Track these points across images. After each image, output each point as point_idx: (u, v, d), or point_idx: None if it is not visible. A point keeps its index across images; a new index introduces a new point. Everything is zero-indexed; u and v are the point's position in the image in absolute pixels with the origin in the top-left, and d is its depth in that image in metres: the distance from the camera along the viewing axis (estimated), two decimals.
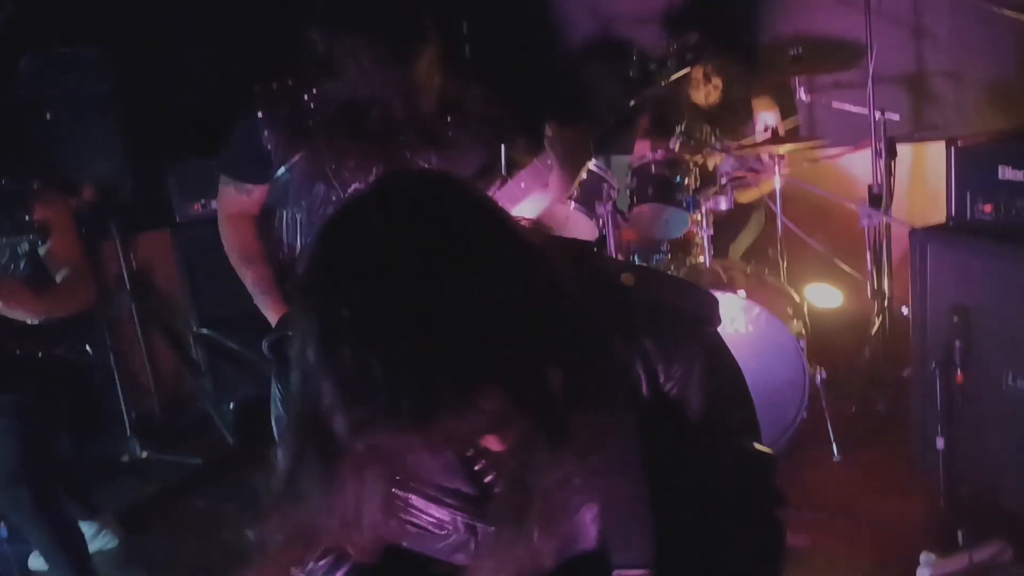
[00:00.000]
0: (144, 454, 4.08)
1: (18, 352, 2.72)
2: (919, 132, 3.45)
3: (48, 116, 3.87)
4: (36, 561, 3.29)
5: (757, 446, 1.14)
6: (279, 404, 1.16)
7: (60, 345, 2.80)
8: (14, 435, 2.65)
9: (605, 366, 1.00)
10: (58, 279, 2.67)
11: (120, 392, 4.11)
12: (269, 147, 2.17)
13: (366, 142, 2.11)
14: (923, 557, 2.62)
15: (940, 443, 2.80)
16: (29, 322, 2.57)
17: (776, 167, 3.40)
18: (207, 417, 4.20)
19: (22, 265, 2.57)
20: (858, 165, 3.72)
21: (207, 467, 3.90)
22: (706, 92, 3.87)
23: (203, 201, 4.11)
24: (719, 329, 1.15)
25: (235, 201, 2.30)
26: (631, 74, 2.39)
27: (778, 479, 1.17)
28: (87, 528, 3.35)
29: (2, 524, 3.51)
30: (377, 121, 2.10)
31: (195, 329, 4.20)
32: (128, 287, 4.12)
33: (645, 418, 1.02)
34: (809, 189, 3.41)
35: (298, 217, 2.21)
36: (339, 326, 0.80)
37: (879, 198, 3.20)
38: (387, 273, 0.80)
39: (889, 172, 3.30)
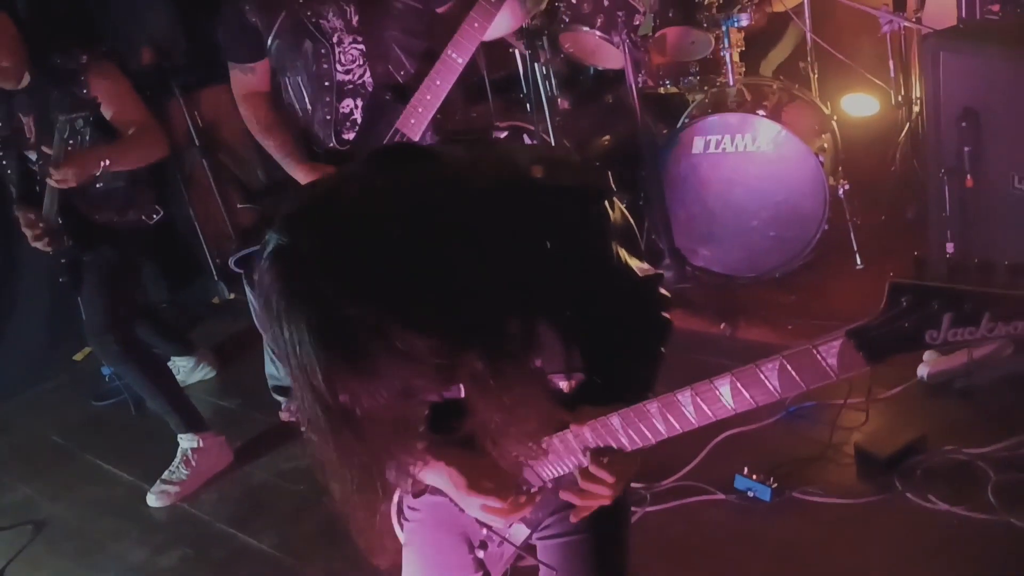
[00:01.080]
0: (231, 295, 4.54)
1: (96, 218, 3.09)
2: None
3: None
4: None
5: (642, 269, 1.40)
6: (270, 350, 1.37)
7: (131, 209, 3.14)
8: (100, 292, 3.07)
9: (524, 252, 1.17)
10: None
11: (203, 241, 4.52)
12: (254, 21, 2.34)
13: None
14: (925, 355, 2.76)
15: (950, 248, 2.87)
16: (98, 172, 2.86)
17: None
18: None
19: (88, 137, 2.86)
20: None
21: None
22: None
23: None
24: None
25: (243, 82, 2.51)
26: None
27: (662, 289, 1.46)
28: (186, 363, 3.85)
29: None
30: None
31: (262, 178, 4.51)
32: (196, 142, 4.43)
33: (559, 270, 1.23)
34: None
35: (299, 79, 2.41)
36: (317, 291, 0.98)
37: (904, 1, 3.11)
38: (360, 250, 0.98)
39: None
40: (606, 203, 1.32)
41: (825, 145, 3.33)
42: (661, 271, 1.50)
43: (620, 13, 3.26)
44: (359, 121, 2.43)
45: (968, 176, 2.75)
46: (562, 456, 1.33)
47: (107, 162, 2.86)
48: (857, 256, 3.34)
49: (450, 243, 1.02)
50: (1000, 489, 2.28)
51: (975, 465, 2.39)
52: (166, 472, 3.15)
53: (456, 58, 2.28)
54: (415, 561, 1.55)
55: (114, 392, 3.92)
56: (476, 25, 2.24)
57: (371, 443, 1.09)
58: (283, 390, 1.43)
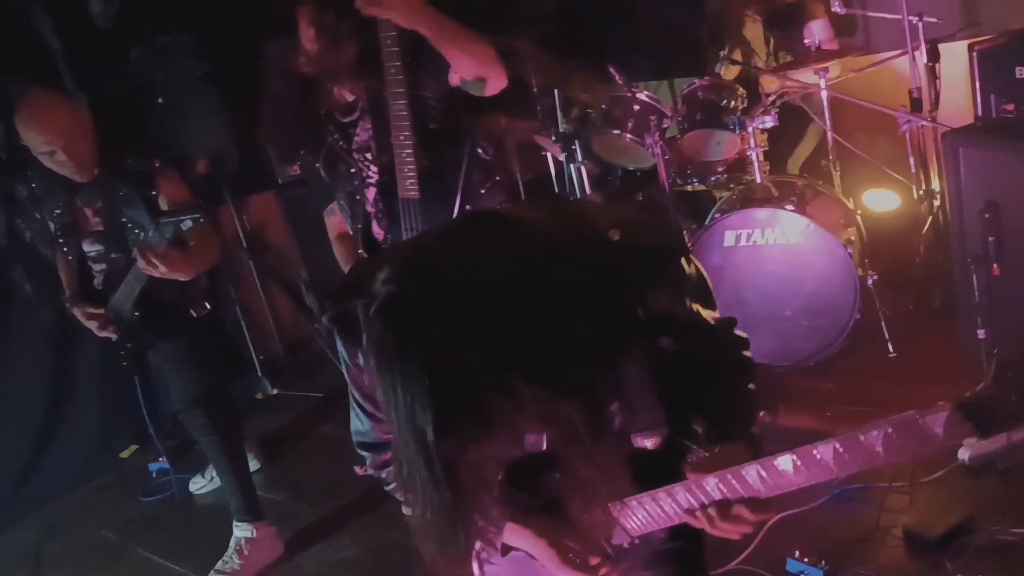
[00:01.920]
0: (274, 391, 4.66)
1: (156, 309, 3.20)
2: (965, 30, 3.49)
3: (160, 100, 4.37)
4: (195, 484, 3.90)
5: (714, 318, 1.47)
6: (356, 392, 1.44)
7: (185, 302, 3.27)
8: (187, 369, 3.21)
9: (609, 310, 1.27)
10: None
11: (248, 338, 4.67)
12: (318, 167, 2.57)
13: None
14: (965, 439, 2.83)
15: (981, 333, 2.98)
16: (181, 278, 2.97)
17: (822, 79, 3.51)
18: (324, 356, 4.71)
19: (151, 233, 2.96)
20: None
21: (329, 400, 4.42)
22: None
23: (299, 163, 4.54)
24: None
25: (329, 224, 2.75)
26: None
27: (748, 353, 1.50)
28: None
29: (163, 458, 4.16)
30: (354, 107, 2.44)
31: (304, 278, 4.69)
32: (244, 245, 4.63)
33: (643, 329, 1.33)
34: (849, 100, 3.52)
35: (340, 202, 2.58)
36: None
37: (919, 102, 3.30)
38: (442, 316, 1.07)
39: (933, 75, 3.37)
40: (682, 260, 1.39)
41: (852, 237, 3.47)
42: (733, 316, 1.53)
43: (652, 117, 3.48)
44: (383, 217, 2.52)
45: (995, 264, 2.89)
46: (657, 512, 1.39)
47: (183, 279, 2.97)
48: (889, 344, 3.44)
49: (543, 295, 1.11)
50: None
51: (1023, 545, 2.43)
52: (219, 563, 3.21)
53: (399, 107, 2.33)
54: None
55: (161, 488, 4.01)
56: (393, 71, 2.29)
57: (464, 499, 1.14)
58: (369, 446, 1.50)
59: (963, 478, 2.75)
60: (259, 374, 4.66)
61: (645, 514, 1.42)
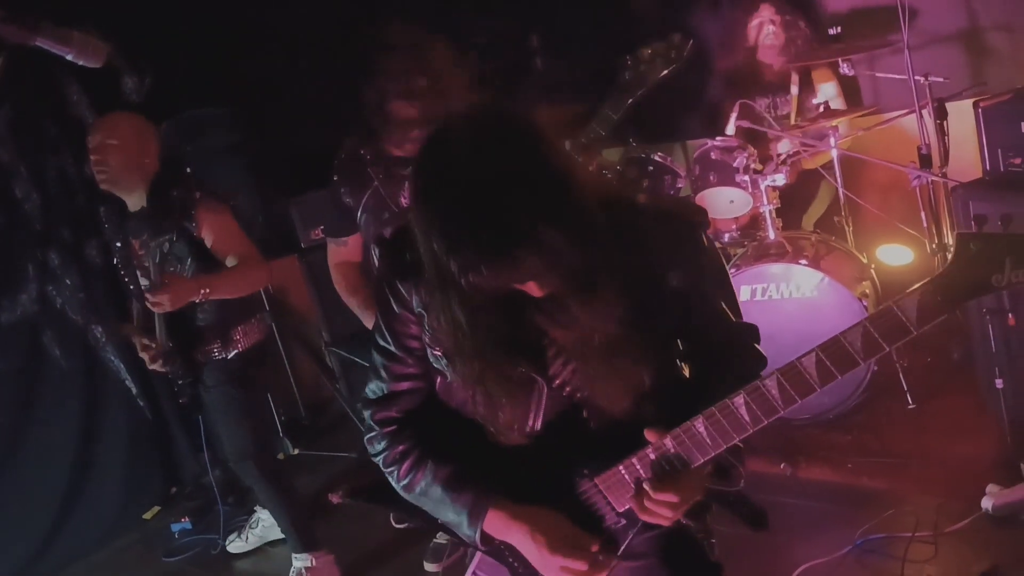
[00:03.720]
0: (295, 451, 4.69)
1: (193, 351, 3.19)
2: (971, 89, 3.58)
3: (188, 170, 4.51)
4: (233, 545, 3.91)
5: (735, 317, 1.52)
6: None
7: (224, 345, 3.22)
8: (239, 421, 3.25)
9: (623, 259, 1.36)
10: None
11: (270, 399, 4.72)
12: (348, 201, 2.70)
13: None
14: (988, 488, 2.83)
15: (999, 383, 2.99)
16: (199, 299, 2.94)
17: (832, 139, 3.61)
18: (345, 417, 4.75)
19: (188, 267, 3.03)
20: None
21: (352, 459, 4.44)
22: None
23: (322, 227, 4.66)
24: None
25: (338, 253, 2.91)
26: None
27: (758, 342, 1.54)
28: (261, 513, 3.95)
29: (185, 519, 4.18)
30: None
31: (326, 341, 4.76)
32: (267, 307, 4.70)
33: (656, 301, 1.40)
34: (859, 157, 3.60)
35: (375, 247, 2.71)
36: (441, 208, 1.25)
37: (928, 158, 3.38)
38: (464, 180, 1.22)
39: (942, 131, 3.45)
40: (702, 235, 1.46)
41: (867, 291, 3.52)
42: (755, 324, 1.55)
43: (667, 177, 3.57)
44: None
45: (1010, 315, 2.92)
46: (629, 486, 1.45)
47: (207, 290, 2.94)
48: (908, 396, 3.45)
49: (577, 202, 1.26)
50: None
51: None
52: None
53: None
54: None
55: (183, 549, 4.03)
56: None
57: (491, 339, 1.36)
58: (377, 401, 1.58)
59: (987, 528, 2.74)
60: (280, 433, 4.69)
61: (621, 485, 1.46)
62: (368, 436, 1.61)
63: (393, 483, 1.58)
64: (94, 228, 4.47)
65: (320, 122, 4.24)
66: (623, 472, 1.45)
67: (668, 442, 1.40)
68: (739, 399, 1.34)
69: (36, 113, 4.33)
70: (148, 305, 2.95)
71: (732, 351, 1.49)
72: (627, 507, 1.47)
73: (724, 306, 1.49)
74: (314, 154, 3.51)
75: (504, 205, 1.21)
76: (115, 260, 3.37)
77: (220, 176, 4.44)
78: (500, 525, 1.49)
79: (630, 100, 2.74)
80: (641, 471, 1.43)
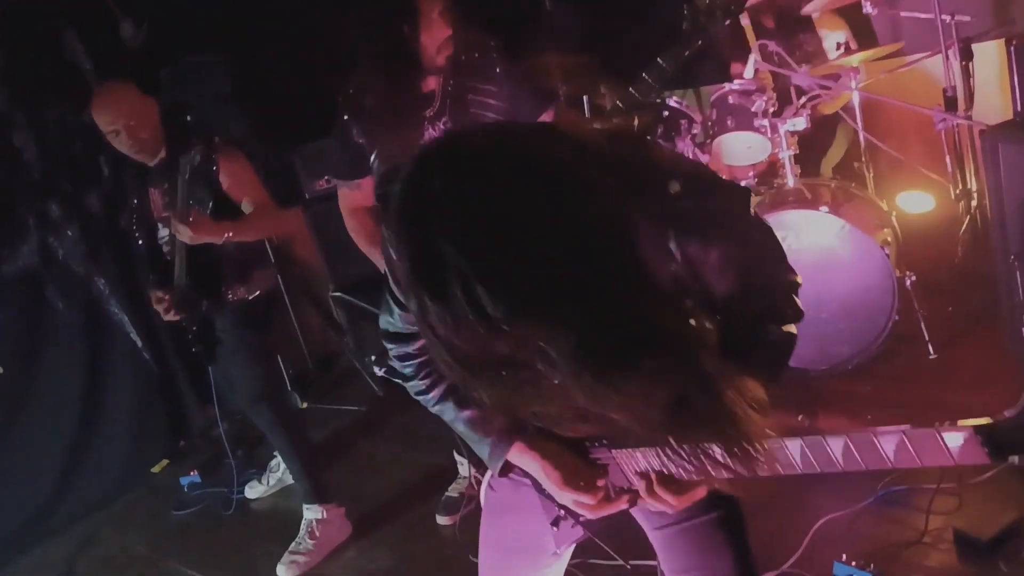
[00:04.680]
0: (304, 405, 4.65)
1: (214, 289, 3.25)
2: (998, 29, 3.46)
3: (188, 119, 4.40)
4: (252, 490, 3.89)
5: (784, 328, 1.35)
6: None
7: (241, 285, 3.29)
8: (252, 363, 3.29)
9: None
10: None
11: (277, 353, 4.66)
12: (361, 142, 2.55)
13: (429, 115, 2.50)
14: None
15: None
16: (221, 242, 3.05)
17: (852, 81, 3.49)
18: (353, 370, 4.70)
19: (209, 208, 3.10)
20: (940, 68, 3.75)
21: (361, 413, 4.40)
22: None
23: (327, 178, 4.56)
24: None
25: (350, 198, 2.71)
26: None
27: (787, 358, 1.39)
28: (274, 465, 3.93)
29: (194, 472, 4.16)
30: (434, 97, 2.47)
31: (331, 292, 4.69)
32: (272, 259, 4.62)
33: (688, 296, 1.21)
34: (883, 100, 3.49)
35: None
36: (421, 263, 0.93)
37: (954, 100, 3.27)
38: (451, 225, 0.90)
39: (967, 73, 3.34)
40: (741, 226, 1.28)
41: (888, 238, 3.42)
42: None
43: (683, 122, 3.46)
44: None
45: None
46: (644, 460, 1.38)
47: (231, 233, 3.05)
48: (929, 345, 3.38)
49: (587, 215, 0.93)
50: None
51: None
52: (292, 544, 3.27)
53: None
54: (492, 533, 1.68)
55: (192, 502, 4.01)
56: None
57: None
58: (394, 336, 1.50)
59: (1013, 479, 2.67)
60: (288, 387, 4.64)
61: (633, 462, 1.40)
62: (391, 363, 1.58)
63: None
64: (94, 178, 4.40)
65: (324, 67, 4.11)
66: (639, 456, 1.38)
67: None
68: (839, 441, 1.15)
69: (32, 60, 4.21)
70: (172, 230, 3.05)
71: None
72: (632, 486, 1.42)
73: (757, 313, 1.34)
74: (317, 101, 3.38)
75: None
76: (132, 216, 3.43)
77: (219, 126, 4.33)
78: (518, 454, 1.48)
79: (687, 52, 2.59)
80: (655, 463, 1.36)
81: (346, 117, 2.59)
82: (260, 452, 4.13)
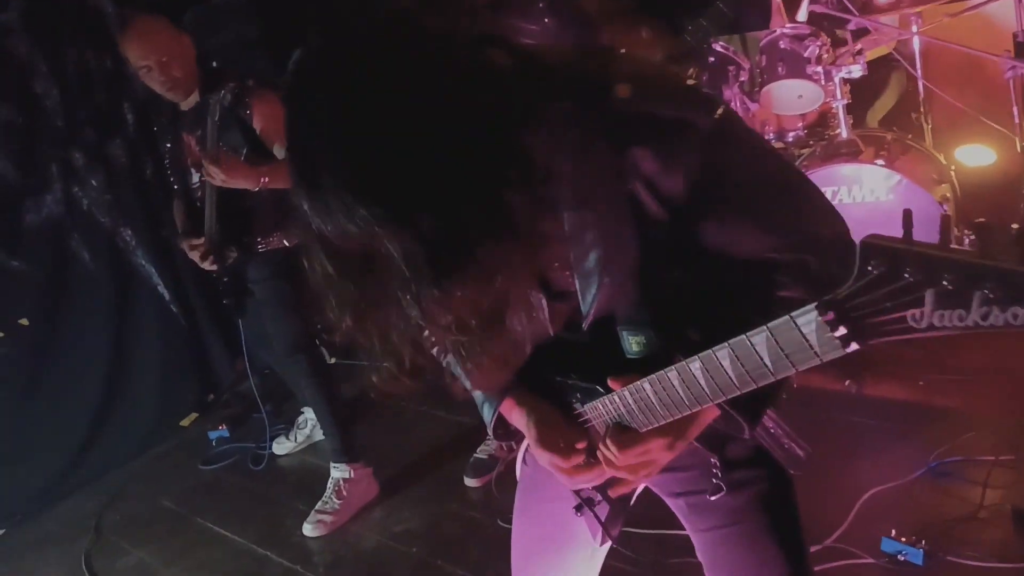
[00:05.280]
0: (332, 360, 4.56)
1: (246, 239, 3.15)
2: None
3: (214, 64, 4.27)
4: (280, 446, 3.84)
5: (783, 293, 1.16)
6: None
7: (275, 232, 3.15)
8: (288, 315, 3.19)
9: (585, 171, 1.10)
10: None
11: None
12: None
13: None
14: None
15: None
16: (256, 188, 2.91)
17: (914, 25, 3.26)
18: None
19: (243, 154, 2.99)
20: (1008, 12, 3.49)
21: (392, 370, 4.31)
22: None
23: None
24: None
25: None
26: None
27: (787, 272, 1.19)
28: (309, 413, 3.86)
29: (223, 426, 4.11)
30: None
31: None
32: None
33: (650, 221, 1.13)
34: (948, 45, 3.25)
35: None
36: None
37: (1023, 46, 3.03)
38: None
39: None
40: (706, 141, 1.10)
41: (947, 194, 3.22)
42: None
43: (730, 68, 3.26)
44: None
45: None
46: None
47: (266, 179, 2.91)
48: None
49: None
50: None
51: None
52: (319, 503, 3.22)
53: None
54: (525, 511, 1.57)
55: (220, 457, 3.97)
56: None
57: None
58: None
59: None
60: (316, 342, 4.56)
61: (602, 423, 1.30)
62: None
63: None
64: (118, 126, 4.30)
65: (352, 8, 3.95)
66: (603, 408, 1.27)
67: (647, 387, 1.17)
68: (724, 352, 1.03)
69: (52, 4, 4.09)
70: (203, 174, 2.95)
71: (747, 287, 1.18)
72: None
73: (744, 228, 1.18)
74: None
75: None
76: (164, 161, 3.32)
77: (246, 71, 4.18)
78: (508, 410, 1.40)
79: None
80: (614, 413, 1.25)
81: None
82: (288, 408, 4.07)
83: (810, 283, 1.13)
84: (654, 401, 1.16)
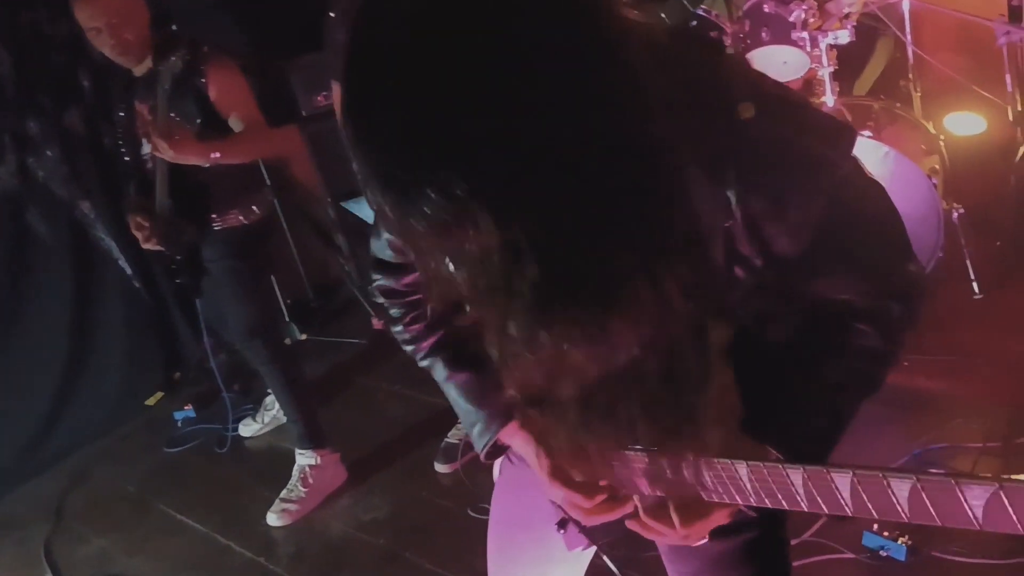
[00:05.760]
0: (303, 336, 4.44)
1: (202, 214, 3.00)
2: None
3: (174, 28, 4.08)
4: (247, 428, 3.73)
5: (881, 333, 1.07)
6: None
7: (231, 209, 3.03)
8: (244, 297, 3.06)
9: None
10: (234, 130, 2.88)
11: (274, 281, 4.43)
12: None
13: None
14: None
15: None
16: (207, 164, 2.78)
17: None
18: (355, 300, 4.47)
19: (196, 124, 2.84)
20: None
21: (363, 347, 4.19)
22: None
23: (325, 93, 4.24)
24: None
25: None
26: None
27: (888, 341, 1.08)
28: (269, 403, 3.75)
29: (188, 406, 3.99)
30: None
31: (332, 217, 4.42)
32: (268, 181, 4.35)
33: (740, 266, 0.97)
34: (939, 9, 3.11)
35: None
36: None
37: (1019, 11, 2.89)
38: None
39: None
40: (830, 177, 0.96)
41: (936, 166, 3.10)
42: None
43: (713, 34, 3.11)
44: None
45: None
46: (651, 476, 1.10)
47: (218, 154, 2.78)
48: (974, 284, 3.10)
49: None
50: None
51: None
52: (284, 491, 3.12)
53: None
54: (503, 512, 1.46)
55: (186, 439, 3.86)
56: None
57: None
58: (382, 265, 1.27)
59: None
60: (286, 318, 4.43)
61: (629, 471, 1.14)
62: (378, 300, 1.32)
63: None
64: (75, 94, 4.11)
65: None
66: (635, 462, 1.09)
67: (742, 471, 1.00)
68: (798, 474, 0.93)
69: None
70: (152, 149, 2.80)
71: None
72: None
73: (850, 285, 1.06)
74: (315, 11, 3.13)
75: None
76: (117, 132, 3.13)
77: (207, 35, 3.99)
78: (511, 433, 1.25)
79: None
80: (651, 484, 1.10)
81: (333, 15, 2.38)
82: (257, 386, 3.94)
83: (892, 332, 1.05)
84: (746, 484, 0.99)
